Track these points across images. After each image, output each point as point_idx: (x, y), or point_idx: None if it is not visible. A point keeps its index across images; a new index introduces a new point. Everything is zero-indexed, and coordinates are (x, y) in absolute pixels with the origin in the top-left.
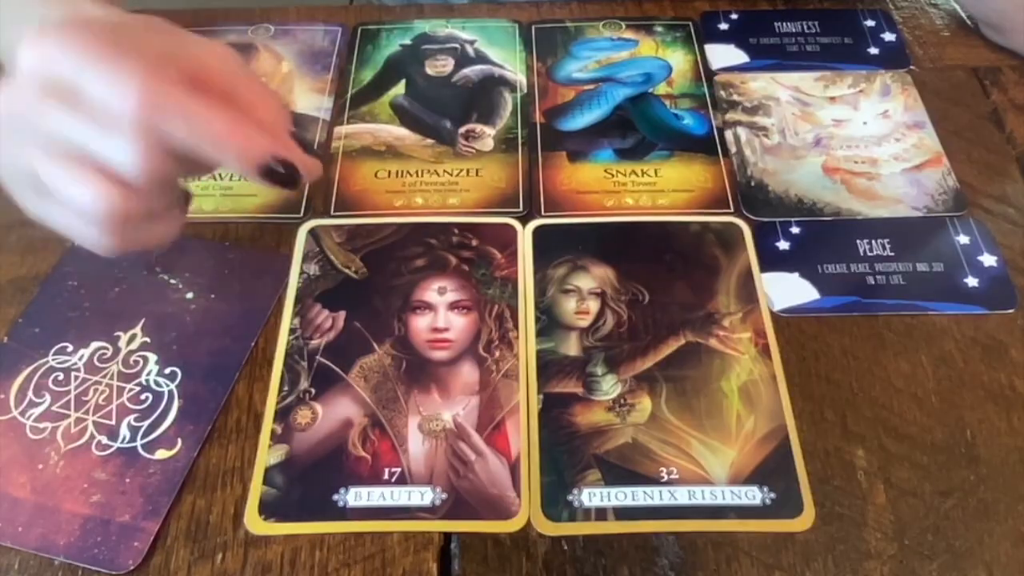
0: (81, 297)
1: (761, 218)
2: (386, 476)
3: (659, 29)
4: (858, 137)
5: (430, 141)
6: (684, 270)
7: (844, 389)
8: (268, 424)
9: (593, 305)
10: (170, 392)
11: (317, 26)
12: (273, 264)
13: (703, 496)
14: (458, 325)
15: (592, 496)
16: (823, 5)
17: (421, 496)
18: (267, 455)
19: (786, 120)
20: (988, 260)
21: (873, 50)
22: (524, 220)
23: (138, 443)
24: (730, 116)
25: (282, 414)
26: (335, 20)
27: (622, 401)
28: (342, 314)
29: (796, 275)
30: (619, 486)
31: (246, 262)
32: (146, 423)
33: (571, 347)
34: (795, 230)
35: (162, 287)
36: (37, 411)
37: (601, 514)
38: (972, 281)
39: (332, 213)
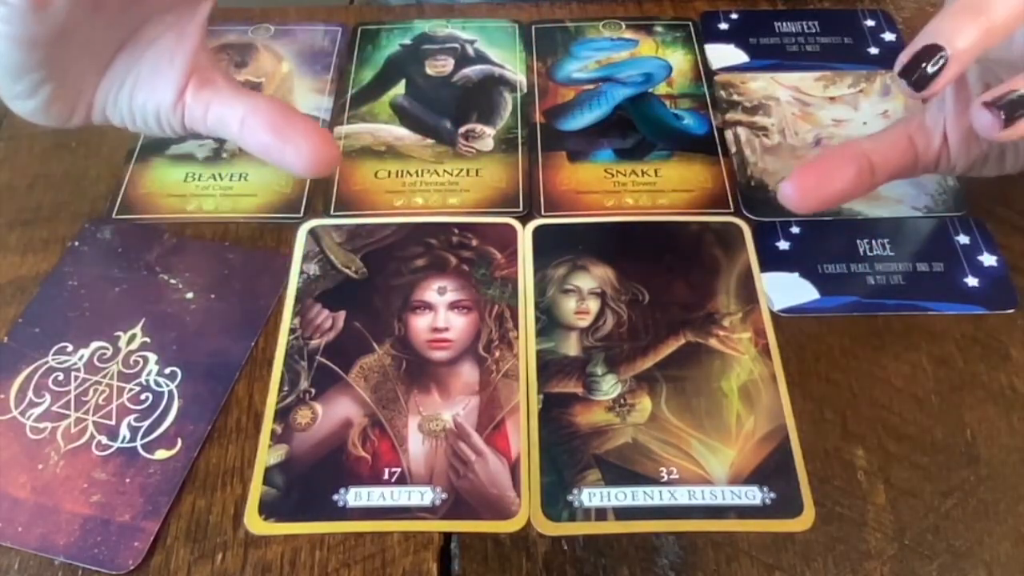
0: (81, 297)
1: (761, 218)
2: (386, 476)
3: (659, 29)
4: (858, 137)
5: (430, 141)
6: (684, 270)
7: (844, 389)
8: (268, 424)
9: (593, 305)
10: (170, 392)
11: (317, 26)
12: (273, 264)
13: (703, 496)
14: (458, 325)
15: (592, 496)
16: (823, 5)
17: (421, 496)
18: (267, 455)
19: (786, 120)
20: (988, 260)
21: (873, 50)
22: (524, 220)
23: (138, 443)
24: (730, 116)
25: (282, 414)
26: (335, 20)
27: (622, 401)
28: (342, 314)
29: (796, 275)
30: (619, 486)
31: (246, 262)
32: (146, 423)
33: (571, 347)
34: (795, 230)
35: (162, 287)
36: (37, 411)
37: (601, 514)
38: (972, 281)
39: (332, 213)
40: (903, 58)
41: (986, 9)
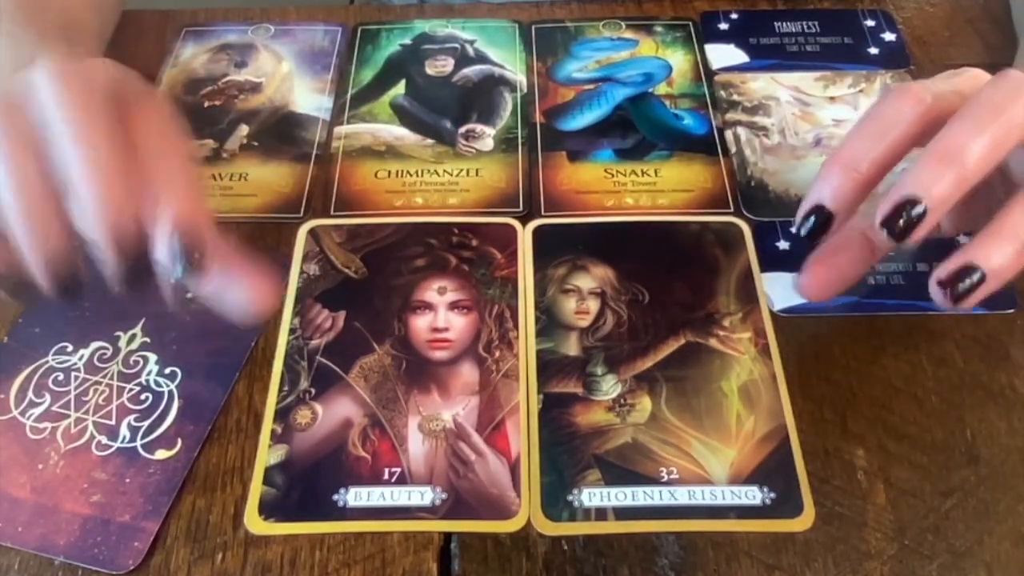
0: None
1: (761, 218)
2: (386, 476)
3: (659, 29)
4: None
5: (430, 141)
6: (684, 270)
7: (844, 389)
8: (268, 424)
9: (593, 305)
10: (170, 392)
11: (317, 26)
12: (273, 264)
13: (703, 496)
14: (458, 325)
15: (592, 496)
16: (823, 5)
17: (421, 496)
18: (267, 455)
19: (786, 120)
20: None
21: (873, 50)
22: (524, 220)
23: (138, 443)
24: (730, 116)
25: (282, 414)
26: (335, 20)
27: (622, 401)
28: (342, 314)
29: (796, 275)
30: (619, 486)
31: None
32: (146, 423)
33: (571, 347)
34: (795, 230)
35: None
36: (37, 411)
37: (601, 514)
38: None
39: (332, 213)
40: (884, 209)
41: (959, 157)
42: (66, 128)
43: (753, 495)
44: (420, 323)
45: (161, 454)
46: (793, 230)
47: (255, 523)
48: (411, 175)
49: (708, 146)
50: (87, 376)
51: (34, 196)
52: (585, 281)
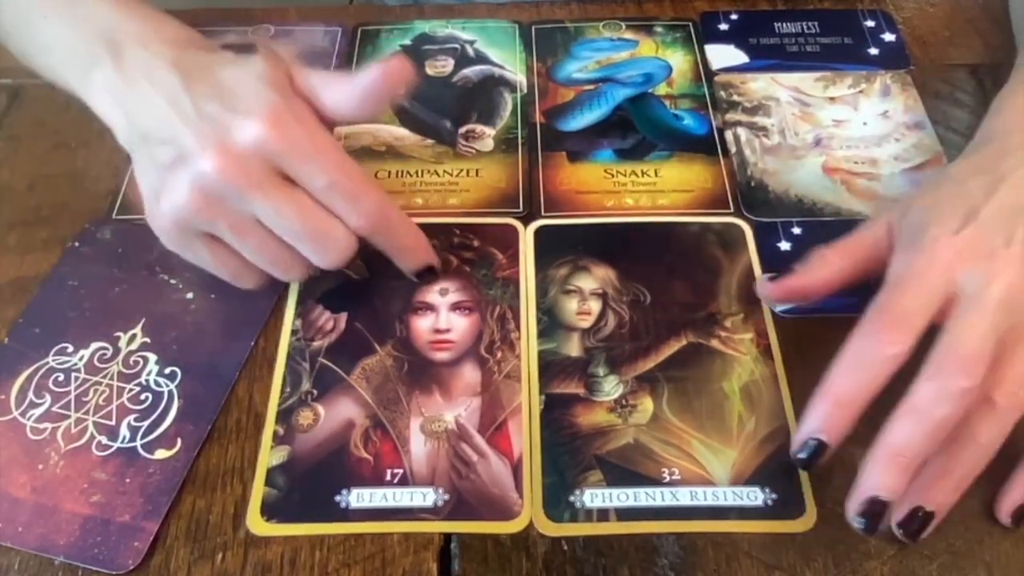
0: (81, 297)
1: (761, 218)
2: (388, 477)
3: (659, 29)
4: (858, 137)
5: (430, 141)
6: (685, 271)
7: None
8: (270, 425)
9: (595, 306)
10: (170, 392)
11: (317, 26)
12: None
13: (705, 497)
14: (460, 326)
15: (594, 497)
16: (823, 5)
17: (423, 497)
18: (269, 456)
19: (786, 120)
20: None
21: (873, 50)
22: (525, 220)
23: (138, 443)
24: (730, 116)
25: (284, 415)
26: (335, 20)
27: (624, 402)
28: (344, 315)
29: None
30: (621, 487)
31: None
32: (146, 423)
33: (573, 348)
34: (796, 231)
35: (162, 287)
36: (37, 412)
37: (603, 515)
38: None
39: None
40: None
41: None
42: (313, 168)
43: (755, 496)
44: (422, 324)
45: (161, 454)
46: (792, 455)
47: (257, 524)
48: (411, 175)
49: (708, 146)
50: (87, 376)
51: (315, 214)
52: (587, 282)
